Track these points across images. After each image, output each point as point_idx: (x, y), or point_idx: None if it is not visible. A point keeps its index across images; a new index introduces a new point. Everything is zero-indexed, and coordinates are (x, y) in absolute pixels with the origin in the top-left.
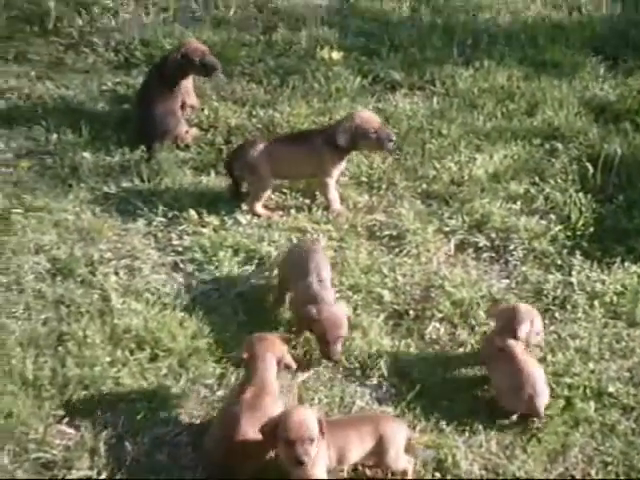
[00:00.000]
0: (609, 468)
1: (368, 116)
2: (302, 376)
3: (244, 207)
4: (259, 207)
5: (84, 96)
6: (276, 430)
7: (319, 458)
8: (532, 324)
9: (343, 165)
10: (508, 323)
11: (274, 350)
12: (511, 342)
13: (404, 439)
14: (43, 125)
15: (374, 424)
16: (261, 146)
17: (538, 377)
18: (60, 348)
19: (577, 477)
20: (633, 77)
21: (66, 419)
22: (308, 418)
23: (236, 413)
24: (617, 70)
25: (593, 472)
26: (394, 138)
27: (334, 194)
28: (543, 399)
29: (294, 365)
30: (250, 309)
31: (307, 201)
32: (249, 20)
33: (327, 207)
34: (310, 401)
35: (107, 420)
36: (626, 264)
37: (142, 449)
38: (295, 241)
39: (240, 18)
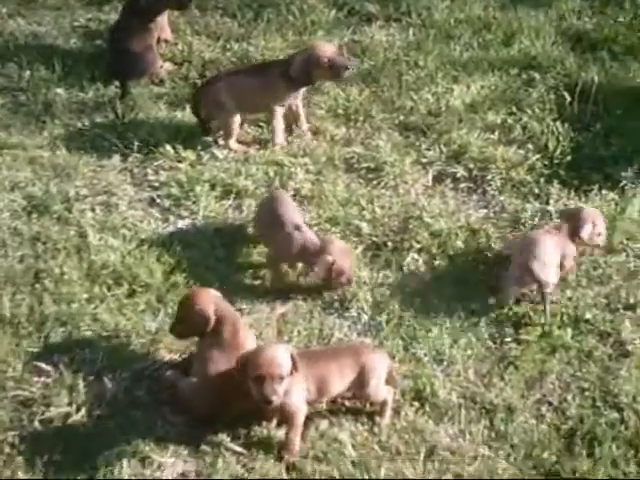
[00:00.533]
0: (586, 394)
1: (322, 45)
2: (281, 309)
3: (220, 141)
4: (233, 142)
5: (56, 32)
6: (246, 367)
7: (297, 391)
8: (594, 226)
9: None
10: (571, 224)
11: None
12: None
13: (385, 370)
14: (15, 62)
15: (355, 355)
16: (222, 82)
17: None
18: (37, 285)
19: (554, 403)
20: (610, 6)
21: (44, 356)
22: (278, 355)
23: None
24: None
25: (570, 398)
26: (350, 66)
27: (280, 125)
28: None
29: None
30: (228, 243)
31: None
32: None
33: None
34: (289, 334)
35: (85, 357)
36: (603, 191)
37: (121, 385)
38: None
39: None
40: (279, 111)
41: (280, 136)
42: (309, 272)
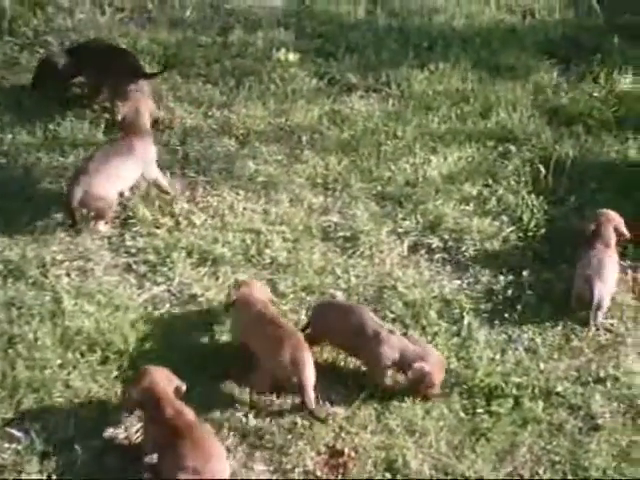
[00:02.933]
0: (557, 467)
1: None
2: None
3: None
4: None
5: (39, 97)
6: None
7: None
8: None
9: None
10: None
11: None
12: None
13: None
14: None
15: None
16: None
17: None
18: (10, 351)
19: (525, 476)
20: (585, 81)
21: (16, 422)
22: None
23: None
24: (569, 74)
25: (541, 471)
26: None
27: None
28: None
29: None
30: (202, 312)
31: (261, 202)
32: (205, 21)
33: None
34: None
35: (57, 423)
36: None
37: (92, 452)
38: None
39: (196, 19)
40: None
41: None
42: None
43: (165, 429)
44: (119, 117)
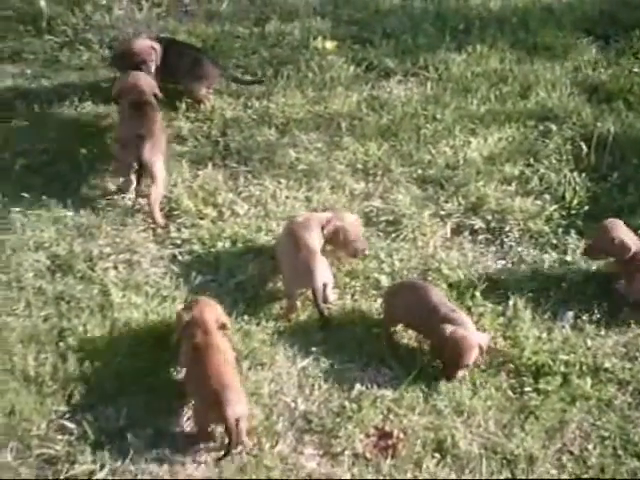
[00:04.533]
0: (606, 442)
1: None
2: (301, 362)
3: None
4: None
5: (81, 93)
6: None
7: None
8: None
9: None
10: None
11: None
12: None
13: None
14: (40, 122)
15: None
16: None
17: None
18: (61, 344)
19: (575, 452)
20: (624, 57)
21: (68, 414)
22: None
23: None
24: (609, 50)
25: (591, 447)
26: None
27: None
28: None
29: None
30: (249, 298)
31: (303, 190)
32: (241, 12)
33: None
34: (310, 387)
35: (109, 414)
36: None
37: (144, 441)
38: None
39: (232, 11)
40: None
41: None
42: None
43: (195, 352)
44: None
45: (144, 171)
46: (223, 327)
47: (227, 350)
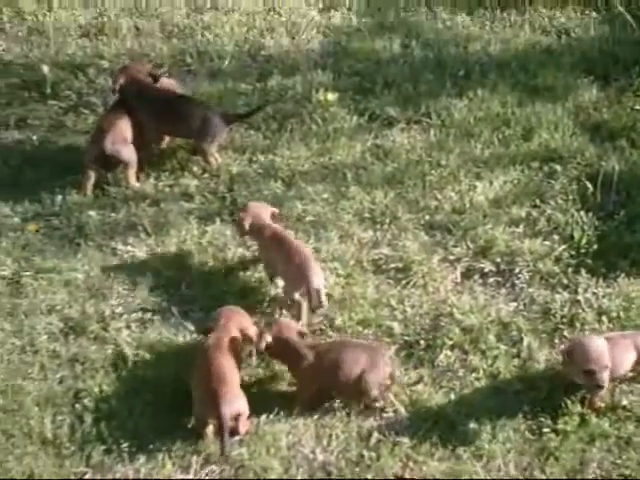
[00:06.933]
0: None
1: None
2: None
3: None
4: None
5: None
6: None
7: None
8: None
9: None
10: None
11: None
12: None
13: None
14: (48, 187)
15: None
16: None
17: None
18: (77, 405)
19: None
20: (625, 95)
21: (88, 475)
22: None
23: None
24: (609, 89)
25: None
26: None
27: None
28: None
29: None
30: (262, 353)
31: (311, 241)
32: (243, 69)
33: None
34: (327, 437)
35: (128, 474)
36: (631, 278)
37: None
38: None
39: (234, 68)
40: None
41: None
42: None
43: (203, 350)
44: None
45: (112, 161)
46: (248, 339)
47: (236, 355)
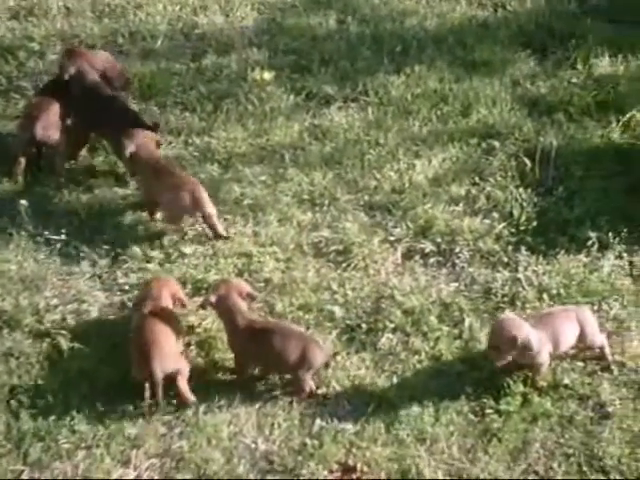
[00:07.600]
0: (571, 460)
1: None
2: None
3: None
4: None
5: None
6: None
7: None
8: None
9: None
10: None
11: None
12: None
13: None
14: None
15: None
16: None
17: None
18: (12, 402)
19: (540, 472)
20: (562, 68)
21: (25, 473)
22: None
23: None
24: (546, 63)
25: (555, 465)
26: None
27: None
28: None
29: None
30: (202, 340)
31: (250, 224)
32: (177, 49)
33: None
34: (270, 426)
35: (66, 470)
36: (570, 255)
37: None
38: None
39: (168, 47)
40: None
41: None
42: None
43: (140, 319)
44: None
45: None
46: (180, 303)
47: (171, 320)
